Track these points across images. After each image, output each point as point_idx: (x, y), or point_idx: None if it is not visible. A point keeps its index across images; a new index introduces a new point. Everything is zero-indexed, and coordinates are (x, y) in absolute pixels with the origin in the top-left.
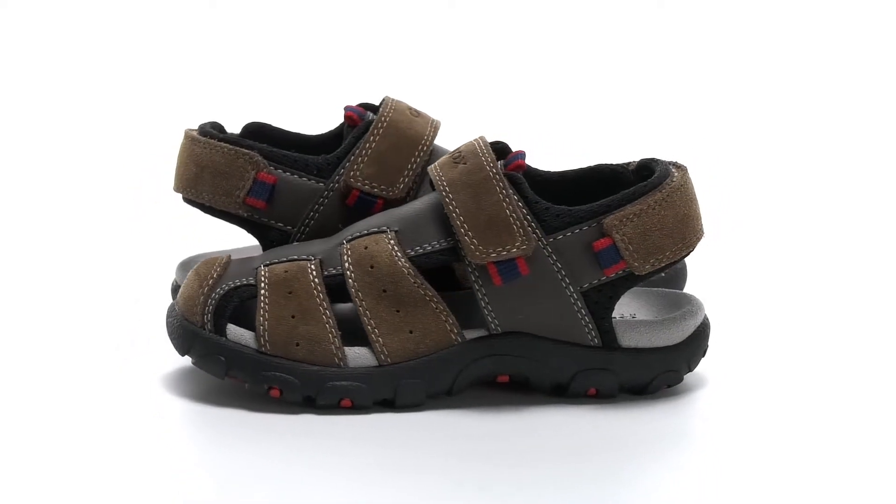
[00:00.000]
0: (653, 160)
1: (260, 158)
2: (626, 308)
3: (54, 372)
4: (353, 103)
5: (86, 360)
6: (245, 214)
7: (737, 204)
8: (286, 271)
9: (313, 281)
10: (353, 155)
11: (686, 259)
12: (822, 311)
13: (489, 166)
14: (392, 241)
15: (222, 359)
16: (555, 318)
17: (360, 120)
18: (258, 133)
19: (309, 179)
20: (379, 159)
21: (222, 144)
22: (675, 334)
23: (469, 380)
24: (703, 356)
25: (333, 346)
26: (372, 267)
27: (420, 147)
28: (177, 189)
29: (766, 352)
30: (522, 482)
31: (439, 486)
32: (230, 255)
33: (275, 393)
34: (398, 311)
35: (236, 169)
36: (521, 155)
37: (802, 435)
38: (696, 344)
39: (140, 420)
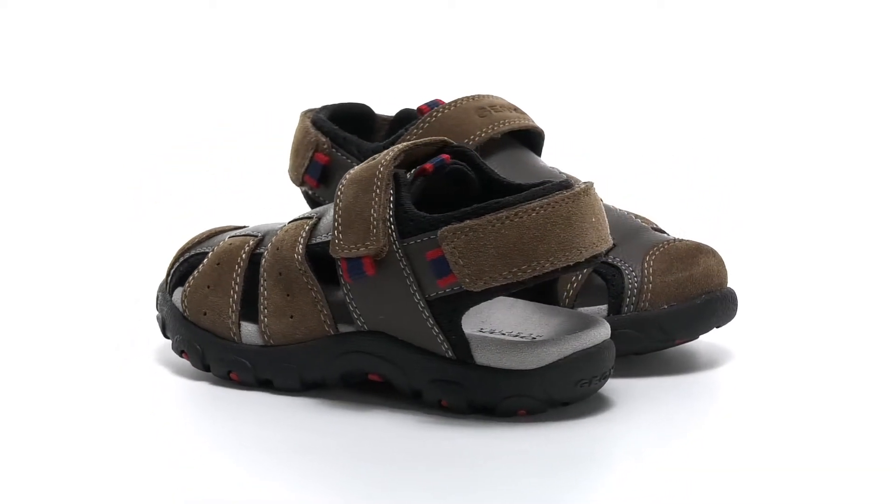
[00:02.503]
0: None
1: (322, 139)
2: (529, 324)
3: (54, 371)
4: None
5: (85, 359)
6: (306, 191)
7: (736, 204)
8: (230, 244)
9: (240, 256)
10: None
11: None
12: (820, 312)
13: (380, 166)
14: (307, 229)
15: (160, 318)
16: (406, 323)
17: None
18: (406, 119)
19: (356, 163)
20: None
21: (301, 124)
22: (529, 359)
23: (339, 372)
24: (585, 387)
25: (230, 321)
26: (278, 249)
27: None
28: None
29: (765, 353)
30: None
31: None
32: (236, 227)
33: (184, 356)
34: (288, 296)
35: (303, 147)
36: (441, 161)
37: (801, 437)
38: (557, 374)
39: (138, 418)
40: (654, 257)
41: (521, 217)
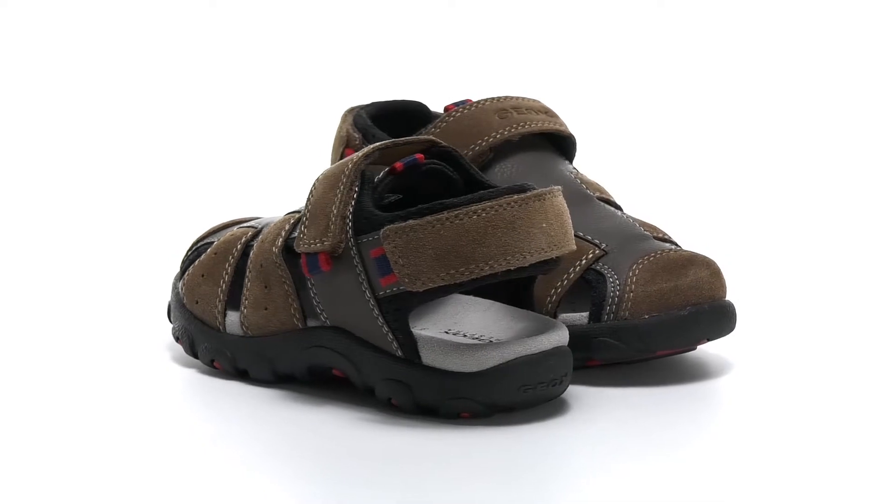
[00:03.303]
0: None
1: (355, 135)
2: (495, 328)
3: (61, 368)
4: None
5: (91, 357)
6: None
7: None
8: (231, 235)
9: (235, 247)
10: None
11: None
12: (818, 315)
13: (350, 163)
14: (290, 223)
15: (169, 304)
16: (360, 321)
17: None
18: None
19: None
20: None
21: (342, 121)
22: (470, 362)
23: (306, 366)
24: (530, 393)
25: (216, 310)
26: (262, 242)
27: (470, 147)
28: None
29: (761, 367)
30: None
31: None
32: (250, 219)
33: (179, 342)
34: (266, 288)
35: (338, 143)
36: (412, 160)
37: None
38: (498, 378)
39: (130, 405)
40: (640, 266)
41: (461, 219)
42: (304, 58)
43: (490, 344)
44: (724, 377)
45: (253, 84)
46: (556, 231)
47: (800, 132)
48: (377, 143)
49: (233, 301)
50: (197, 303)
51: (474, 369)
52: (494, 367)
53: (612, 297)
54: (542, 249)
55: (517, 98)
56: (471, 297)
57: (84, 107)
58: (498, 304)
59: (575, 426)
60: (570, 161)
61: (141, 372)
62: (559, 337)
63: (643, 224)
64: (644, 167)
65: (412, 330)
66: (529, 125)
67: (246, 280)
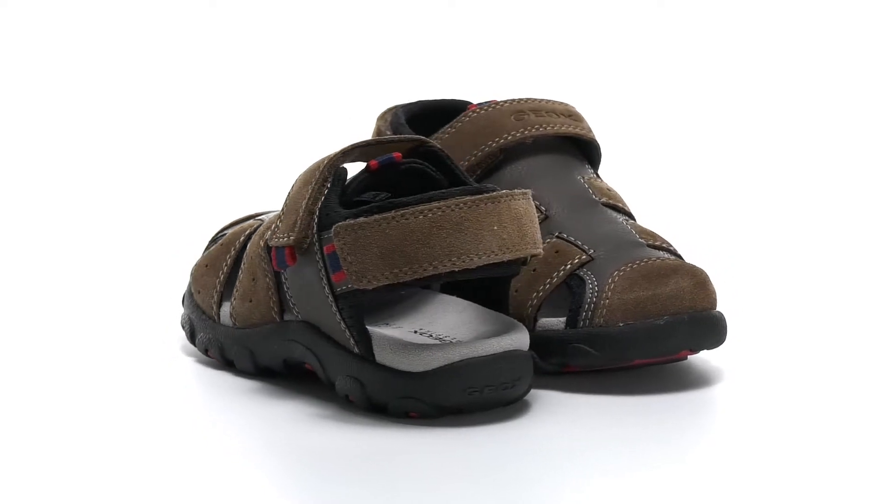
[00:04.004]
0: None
1: (385, 132)
2: (462, 329)
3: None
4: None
5: (102, 343)
6: None
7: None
8: (239, 228)
9: (238, 240)
10: None
11: None
12: (818, 331)
13: (325, 159)
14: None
15: (183, 295)
16: (322, 316)
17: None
18: None
19: None
20: None
21: (379, 117)
22: (416, 361)
23: (281, 359)
24: (476, 396)
25: (212, 300)
26: (256, 235)
27: (480, 147)
28: None
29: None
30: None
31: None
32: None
33: (184, 330)
34: (253, 280)
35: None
36: (388, 158)
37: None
38: (443, 379)
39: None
40: (621, 273)
41: (407, 219)
42: (332, 56)
43: (437, 345)
44: (705, 388)
45: (277, 82)
46: (511, 234)
47: (809, 136)
48: (359, 141)
49: (229, 292)
50: (199, 292)
51: (420, 369)
52: (440, 367)
53: (589, 304)
54: (492, 252)
55: (540, 101)
56: (452, 298)
57: (116, 104)
58: (474, 307)
59: (530, 430)
60: (594, 166)
61: (145, 358)
62: (512, 341)
63: (644, 232)
64: (661, 174)
65: (375, 327)
66: (545, 128)
67: (240, 272)
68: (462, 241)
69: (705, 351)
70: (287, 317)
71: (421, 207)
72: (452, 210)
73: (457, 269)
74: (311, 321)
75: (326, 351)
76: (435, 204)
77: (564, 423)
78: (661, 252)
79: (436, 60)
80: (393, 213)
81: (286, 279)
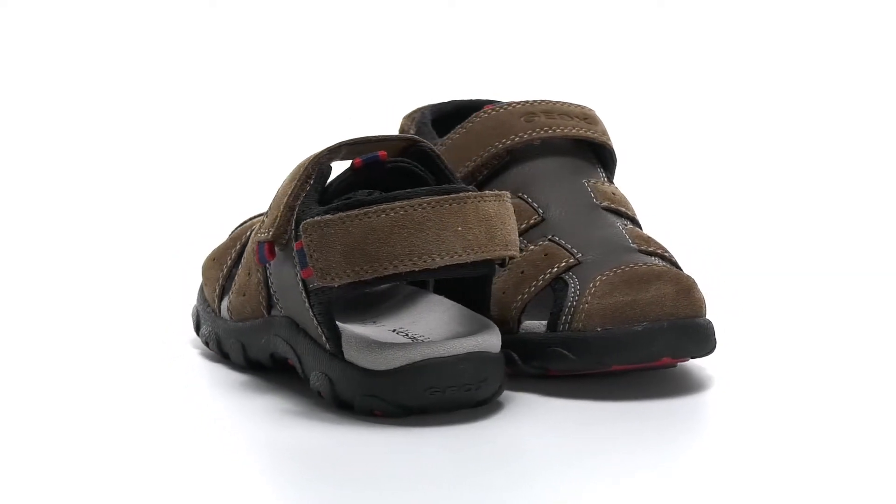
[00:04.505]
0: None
1: (409, 131)
2: (439, 329)
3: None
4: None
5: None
6: None
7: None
8: (251, 222)
9: (245, 234)
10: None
11: None
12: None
13: (311, 156)
14: None
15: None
16: (298, 311)
17: None
18: None
19: None
20: (444, 154)
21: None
22: (378, 360)
23: (267, 353)
24: (438, 396)
25: (214, 293)
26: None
27: (486, 148)
28: None
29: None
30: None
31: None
32: None
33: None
34: (248, 275)
35: None
36: (373, 157)
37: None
38: (403, 379)
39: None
40: (604, 278)
41: (370, 217)
42: (351, 56)
43: (400, 344)
44: (689, 395)
45: (293, 82)
46: (477, 236)
47: (820, 142)
48: (347, 139)
49: (230, 286)
50: (207, 285)
51: (383, 367)
52: (401, 367)
53: (569, 308)
54: (456, 253)
55: (555, 102)
56: (440, 299)
57: (136, 104)
58: (458, 308)
59: (496, 432)
60: (608, 170)
61: (150, 348)
62: (477, 342)
63: (640, 238)
64: (682, 181)
65: (355, 325)
66: (553, 130)
67: (239, 266)
68: (423, 241)
69: (701, 359)
70: (274, 312)
71: (383, 206)
72: (415, 210)
73: (417, 269)
74: (291, 316)
75: (303, 347)
76: (398, 203)
77: (537, 426)
78: (652, 258)
79: (471, 62)
80: (356, 211)
81: (271, 274)
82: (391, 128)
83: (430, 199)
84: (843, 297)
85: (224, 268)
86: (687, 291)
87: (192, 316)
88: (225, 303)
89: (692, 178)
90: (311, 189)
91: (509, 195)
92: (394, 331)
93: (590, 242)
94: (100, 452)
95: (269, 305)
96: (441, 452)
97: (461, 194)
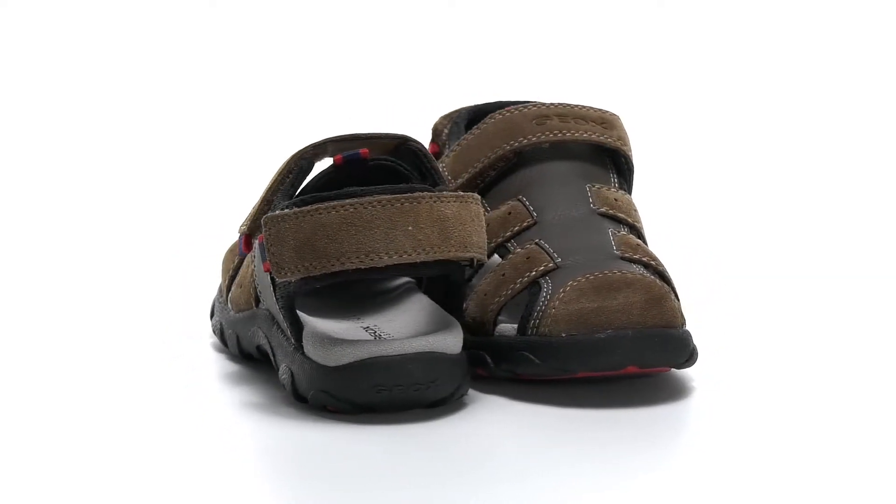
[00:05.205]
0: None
1: (443, 130)
2: (409, 327)
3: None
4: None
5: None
6: None
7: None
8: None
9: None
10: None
11: None
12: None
13: (296, 152)
14: None
15: None
16: (271, 303)
17: None
18: None
19: None
20: (457, 155)
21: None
22: (329, 356)
23: (254, 345)
24: (385, 394)
25: (224, 284)
26: None
27: (494, 150)
28: None
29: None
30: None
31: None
32: None
33: None
34: (246, 267)
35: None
36: (354, 154)
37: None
38: (351, 376)
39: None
40: (575, 283)
41: (321, 214)
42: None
43: (349, 341)
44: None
45: (309, 82)
46: (429, 236)
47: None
48: (333, 136)
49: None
50: (222, 275)
51: (332, 364)
52: (349, 363)
53: (538, 312)
54: (405, 252)
55: (573, 106)
56: (420, 297)
57: (152, 105)
58: (434, 307)
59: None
60: (623, 175)
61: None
62: (428, 343)
63: (628, 245)
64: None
65: (331, 320)
66: (563, 133)
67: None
68: (371, 239)
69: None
70: (260, 305)
71: (335, 203)
72: (364, 208)
73: (364, 267)
74: (269, 309)
75: (276, 340)
76: (348, 201)
77: (502, 429)
78: (633, 266)
79: (524, 63)
80: (308, 207)
81: (257, 266)
82: (411, 129)
83: (380, 197)
84: (842, 302)
85: (235, 259)
86: (657, 301)
87: (211, 305)
88: (230, 294)
89: (704, 184)
90: (288, 184)
91: (478, 198)
92: (366, 328)
93: (573, 248)
94: (95, 443)
95: (257, 298)
96: (391, 452)
97: (415, 194)
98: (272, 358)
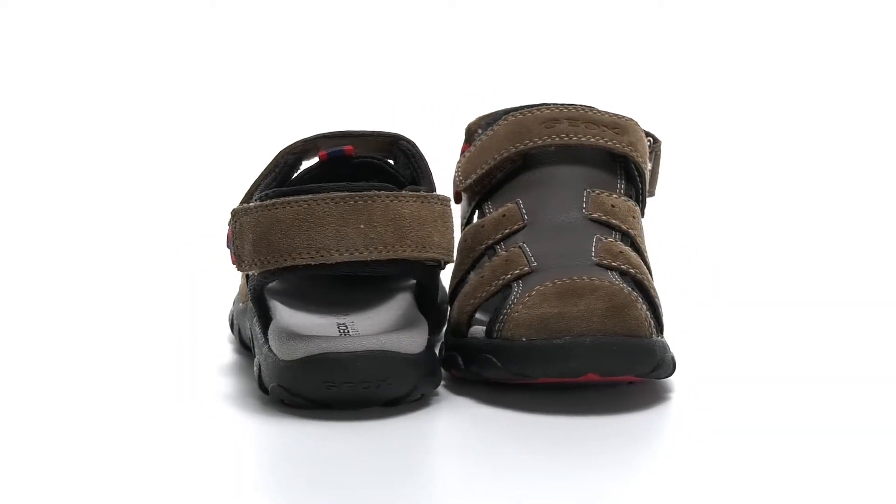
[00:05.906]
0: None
1: (477, 130)
2: (374, 324)
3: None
4: None
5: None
6: None
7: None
8: None
9: None
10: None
11: None
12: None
13: (284, 148)
14: None
15: None
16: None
17: None
18: None
19: None
20: (471, 156)
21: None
22: (283, 350)
23: (247, 336)
24: (334, 390)
25: (242, 278)
26: None
27: (500, 151)
28: None
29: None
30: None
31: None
32: None
33: None
34: None
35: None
36: (338, 151)
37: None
38: (301, 370)
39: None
40: (542, 288)
41: (277, 209)
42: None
43: (303, 336)
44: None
45: (318, 81)
46: (383, 234)
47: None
48: (323, 132)
49: None
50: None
51: (287, 358)
52: (301, 358)
53: (504, 315)
54: (356, 250)
55: (586, 110)
56: (404, 296)
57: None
58: (410, 306)
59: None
60: (633, 182)
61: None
62: (378, 341)
63: (609, 252)
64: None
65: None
66: (570, 137)
67: None
68: (323, 235)
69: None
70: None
71: (289, 199)
72: (318, 205)
73: (314, 263)
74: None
75: (254, 332)
76: (302, 198)
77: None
78: (609, 273)
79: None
80: (267, 202)
81: None
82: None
83: (334, 195)
84: (842, 326)
85: None
86: (619, 309)
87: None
88: (240, 286)
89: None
90: (271, 179)
91: (446, 198)
92: (340, 324)
93: (550, 252)
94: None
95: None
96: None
97: (370, 193)
98: (253, 350)
